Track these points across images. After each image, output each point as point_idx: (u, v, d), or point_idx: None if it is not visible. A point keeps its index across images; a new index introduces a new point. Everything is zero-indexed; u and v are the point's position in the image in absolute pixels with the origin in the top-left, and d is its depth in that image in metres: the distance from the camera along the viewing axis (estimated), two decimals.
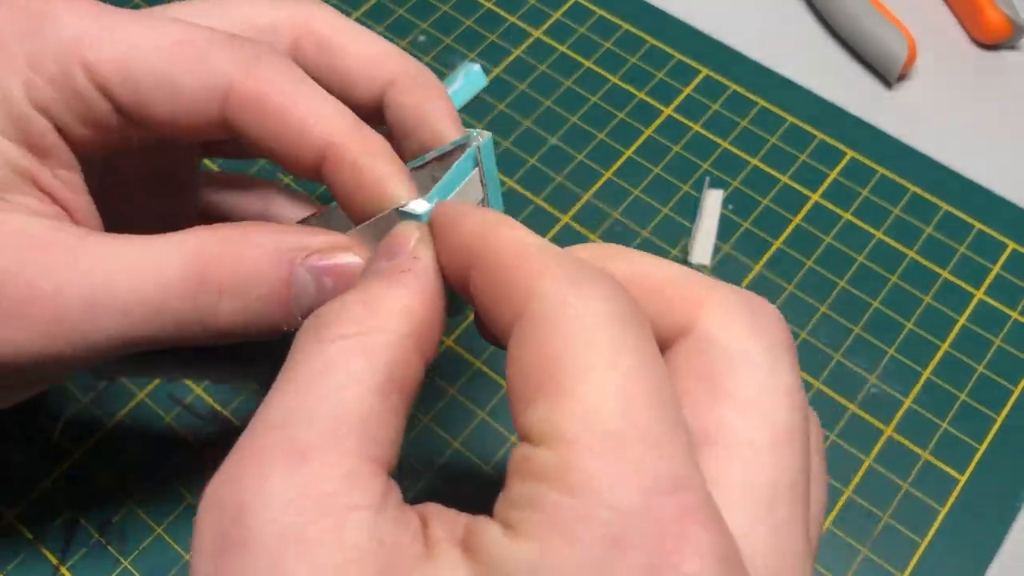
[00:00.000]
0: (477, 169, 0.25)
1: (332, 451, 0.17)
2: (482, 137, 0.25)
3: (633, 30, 0.43)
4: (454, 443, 0.33)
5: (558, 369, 0.17)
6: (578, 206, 0.38)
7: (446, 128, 0.26)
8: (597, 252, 0.22)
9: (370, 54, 0.27)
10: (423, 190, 0.26)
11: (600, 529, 0.16)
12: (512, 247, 0.19)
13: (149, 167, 0.29)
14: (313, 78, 0.28)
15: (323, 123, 0.23)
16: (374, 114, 0.28)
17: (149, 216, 0.29)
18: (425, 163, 0.26)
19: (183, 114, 0.23)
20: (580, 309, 0.18)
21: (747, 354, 0.19)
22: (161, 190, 0.30)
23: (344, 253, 0.23)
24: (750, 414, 0.19)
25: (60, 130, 0.23)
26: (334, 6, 0.44)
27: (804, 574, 0.18)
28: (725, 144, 0.40)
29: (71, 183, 0.24)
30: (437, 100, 0.27)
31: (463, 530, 0.17)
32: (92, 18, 0.23)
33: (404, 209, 0.23)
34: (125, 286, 0.22)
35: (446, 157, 0.26)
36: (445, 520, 0.18)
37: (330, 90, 0.28)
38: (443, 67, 0.42)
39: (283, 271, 0.23)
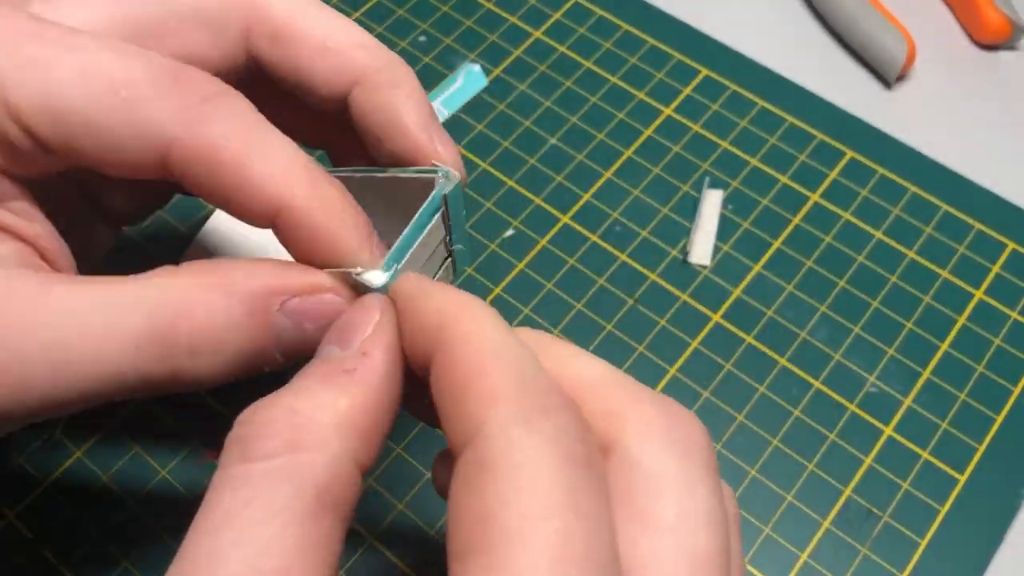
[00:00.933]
0: (440, 214, 0.23)
1: None
2: (450, 182, 0.23)
3: (633, 30, 0.43)
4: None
5: (494, 529, 0.16)
6: (578, 206, 0.38)
7: (419, 143, 0.24)
8: (528, 341, 0.20)
9: (333, 46, 0.25)
10: (382, 201, 0.24)
11: None
12: (471, 352, 0.18)
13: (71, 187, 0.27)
14: (270, 75, 0.25)
15: (275, 183, 0.21)
16: (340, 115, 0.26)
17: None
18: (386, 175, 0.25)
19: (117, 161, 0.21)
20: (525, 456, 0.17)
21: (664, 475, 0.19)
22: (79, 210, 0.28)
23: (323, 294, 0.22)
24: (667, 542, 0.18)
25: None
26: (334, 7, 0.44)
27: None
28: (725, 144, 0.40)
29: (24, 212, 0.22)
30: (408, 101, 0.25)
31: None
32: (14, 49, 0.21)
33: (359, 279, 0.22)
34: (89, 349, 0.20)
35: (408, 183, 0.24)
36: None
37: (290, 88, 0.25)
38: (443, 67, 0.42)
39: (259, 319, 0.21)
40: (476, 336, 0.19)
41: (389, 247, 0.23)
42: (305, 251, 0.22)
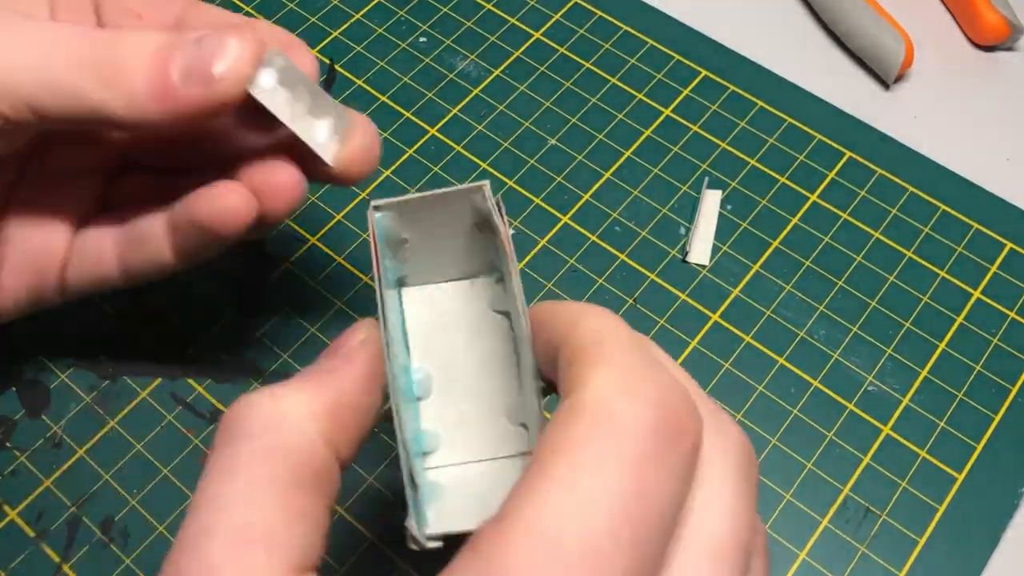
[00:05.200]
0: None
1: (241, 568, 0.18)
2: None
3: (632, 31, 0.44)
4: None
5: (552, 459, 0.17)
6: (578, 206, 0.39)
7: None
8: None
9: None
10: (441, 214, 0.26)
11: None
12: (591, 335, 0.20)
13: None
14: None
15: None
16: None
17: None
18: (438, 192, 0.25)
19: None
20: (620, 420, 0.17)
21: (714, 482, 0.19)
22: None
23: (224, 36, 0.25)
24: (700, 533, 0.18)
25: None
26: (336, 8, 0.44)
27: None
28: (724, 144, 0.40)
29: None
30: None
31: None
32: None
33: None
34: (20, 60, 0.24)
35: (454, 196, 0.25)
36: None
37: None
38: (443, 68, 0.42)
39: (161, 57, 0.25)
40: (595, 327, 0.20)
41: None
42: None
